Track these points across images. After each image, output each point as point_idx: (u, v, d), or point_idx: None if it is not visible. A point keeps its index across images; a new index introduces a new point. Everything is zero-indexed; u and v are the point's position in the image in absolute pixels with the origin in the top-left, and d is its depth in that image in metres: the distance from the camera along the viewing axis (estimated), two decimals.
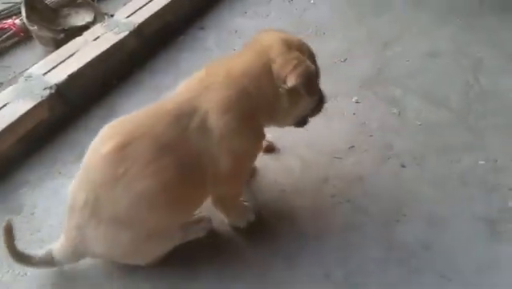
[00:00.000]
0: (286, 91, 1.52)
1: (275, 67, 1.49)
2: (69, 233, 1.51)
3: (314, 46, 1.70)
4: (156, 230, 1.51)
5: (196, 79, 1.56)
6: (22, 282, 1.68)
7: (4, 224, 1.53)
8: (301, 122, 1.73)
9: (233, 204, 1.78)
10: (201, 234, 1.76)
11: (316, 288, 1.66)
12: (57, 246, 1.56)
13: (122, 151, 1.40)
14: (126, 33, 2.54)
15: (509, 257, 1.73)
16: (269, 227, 1.85)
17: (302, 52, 1.55)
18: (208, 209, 1.78)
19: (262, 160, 2.01)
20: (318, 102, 1.68)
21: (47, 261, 1.57)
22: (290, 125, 1.73)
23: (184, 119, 1.46)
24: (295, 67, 1.47)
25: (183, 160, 1.45)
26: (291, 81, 1.47)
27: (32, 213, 1.90)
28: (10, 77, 2.56)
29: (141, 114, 1.53)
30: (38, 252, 1.58)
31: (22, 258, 1.55)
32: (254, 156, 1.72)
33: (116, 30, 2.55)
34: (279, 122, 1.68)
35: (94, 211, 1.43)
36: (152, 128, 1.45)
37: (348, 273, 1.69)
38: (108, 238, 1.46)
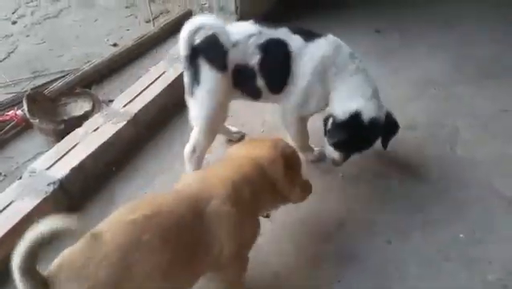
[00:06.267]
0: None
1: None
2: None
3: None
4: None
5: (208, 173, 1.82)
6: None
7: None
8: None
9: None
10: None
11: None
12: None
13: (150, 219, 1.51)
14: (124, 122, 2.70)
15: None
16: None
17: None
18: None
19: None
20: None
21: None
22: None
23: (202, 203, 1.64)
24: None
25: (196, 240, 1.60)
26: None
27: None
28: (13, 168, 2.69)
29: (166, 195, 1.69)
30: None
31: None
32: (254, 242, 1.89)
33: (115, 120, 2.70)
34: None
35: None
36: (177, 208, 1.60)
37: None
38: None
